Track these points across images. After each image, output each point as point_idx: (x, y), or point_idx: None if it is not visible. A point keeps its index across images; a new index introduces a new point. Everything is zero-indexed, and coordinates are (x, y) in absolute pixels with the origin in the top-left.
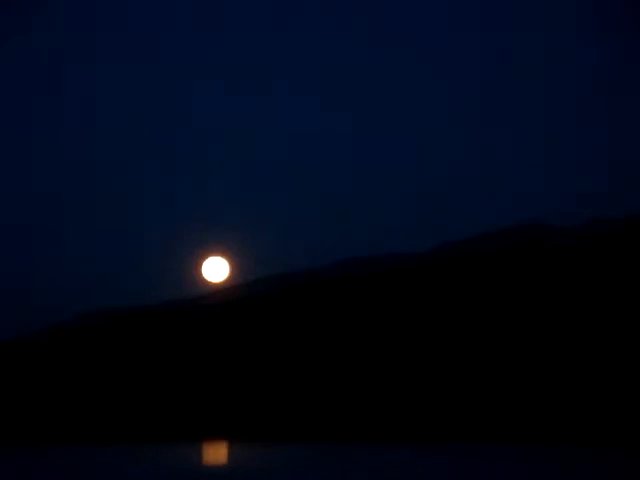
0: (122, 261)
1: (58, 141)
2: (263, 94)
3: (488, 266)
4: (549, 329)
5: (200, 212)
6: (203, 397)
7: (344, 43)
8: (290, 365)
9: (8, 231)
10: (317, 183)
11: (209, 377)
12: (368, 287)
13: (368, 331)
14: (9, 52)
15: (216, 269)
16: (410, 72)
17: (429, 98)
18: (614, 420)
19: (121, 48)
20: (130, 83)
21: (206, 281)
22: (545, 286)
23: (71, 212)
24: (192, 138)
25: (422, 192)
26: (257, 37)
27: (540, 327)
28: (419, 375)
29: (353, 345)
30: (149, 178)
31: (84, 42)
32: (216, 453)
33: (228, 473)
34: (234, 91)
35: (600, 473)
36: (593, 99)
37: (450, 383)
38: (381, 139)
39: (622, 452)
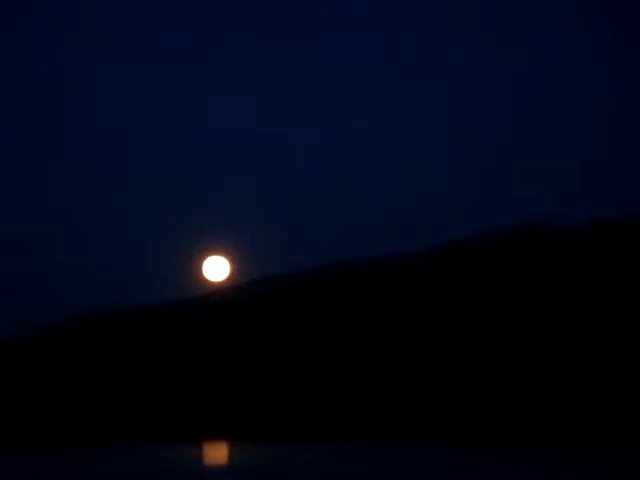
0: (122, 261)
1: (58, 141)
2: (262, 94)
3: (488, 266)
4: (549, 330)
5: (200, 212)
6: (203, 397)
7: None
8: (290, 365)
9: (8, 231)
10: (317, 183)
11: (209, 377)
12: (368, 287)
13: (368, 331)
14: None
15: (216, 268)
16: (409, 65)
17: (428, 96)
18: (614, 420)
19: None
20: (131, 83)
21: (206, 281)
22: (545, 287)
23: (71, 212)
24: (192, 138)
25: (422, 192)
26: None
27: (540, 328)
28: (419, 376)
29: (353, 345)
30: (149, 177)
31: (84, 45)
32: (216, 453)
33: (228, 473)
34: (231, 92)
35: (600, 473)
36: (593, 98)
37: (450, 384)
38: (380, 138)
39: (622, 452)
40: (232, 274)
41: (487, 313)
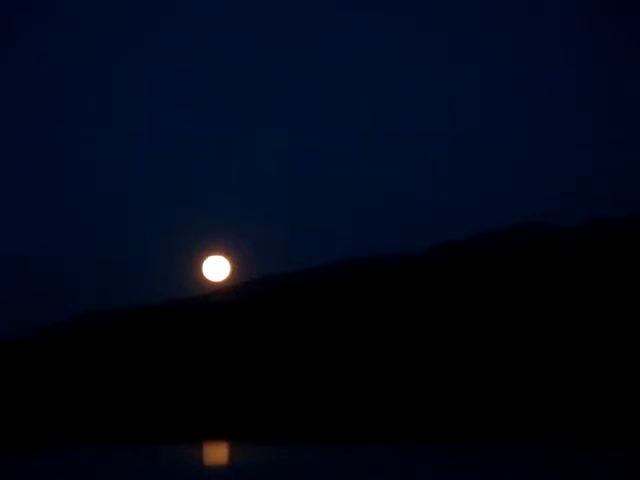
0: (122, 261)
1: (57, 142)
2: (262, 94)
3: (488, 266)
4: (549, 329)
5: (200, 212)
6: (203, 397)
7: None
8: (290, 365)
9: (7, 231)
10: (317, 182)
11: (209, 377)
12: (368, 287)
13: (369, 331)
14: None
15: (216, 268)
16: (409, 65)
17: (428, 96)
18: (614, 420)
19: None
20: (131, 83)
21: (207, 280)
22: (545, 286)
23: (71, 211)
24: (192, 139)
25: (422, 192)
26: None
27: (540, 327)
28: (419, 375)
29: (353, 345)
30: (149, 178)
31: (85, 48)
32: (216, 453)
33: (228, 473)
34: (232, 91)
35: (600, 473)
36: (593, 98)
37: (450, 384)
38: (379, 138)
39: (622, 452)
40: (232, 274)
41: (487, 313)
